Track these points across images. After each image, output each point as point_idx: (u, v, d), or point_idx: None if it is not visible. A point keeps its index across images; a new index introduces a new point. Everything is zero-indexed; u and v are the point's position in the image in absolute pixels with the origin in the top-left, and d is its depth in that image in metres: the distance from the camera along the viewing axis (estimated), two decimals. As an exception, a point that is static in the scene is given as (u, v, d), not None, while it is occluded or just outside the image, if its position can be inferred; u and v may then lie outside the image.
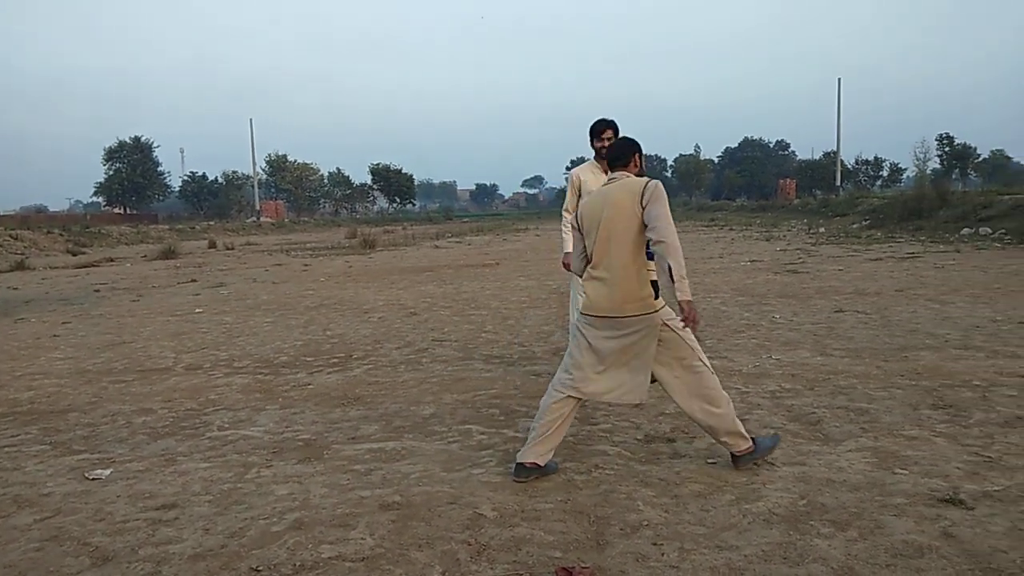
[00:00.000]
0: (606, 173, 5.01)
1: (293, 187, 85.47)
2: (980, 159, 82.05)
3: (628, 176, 3.56)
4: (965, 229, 18.68)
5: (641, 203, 3.31)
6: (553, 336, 7.30)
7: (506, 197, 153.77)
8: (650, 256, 3.45)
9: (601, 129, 4.84)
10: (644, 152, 3.81)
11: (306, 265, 18.10)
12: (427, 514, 3.19)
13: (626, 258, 3.36)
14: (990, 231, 17.72)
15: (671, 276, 3.21)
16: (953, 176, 72.46)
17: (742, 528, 2.95)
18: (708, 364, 3.54)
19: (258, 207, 67.50)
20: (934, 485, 3.29)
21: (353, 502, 3.35)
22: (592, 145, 4.95)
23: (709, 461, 3.71)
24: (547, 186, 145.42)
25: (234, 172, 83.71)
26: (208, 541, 3.01)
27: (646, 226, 3.30)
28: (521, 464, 3.52)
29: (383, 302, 10.37)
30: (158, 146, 77.30)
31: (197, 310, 10.20)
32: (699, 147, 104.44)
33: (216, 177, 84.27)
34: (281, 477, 3.71)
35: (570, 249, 5.26)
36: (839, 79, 53.83)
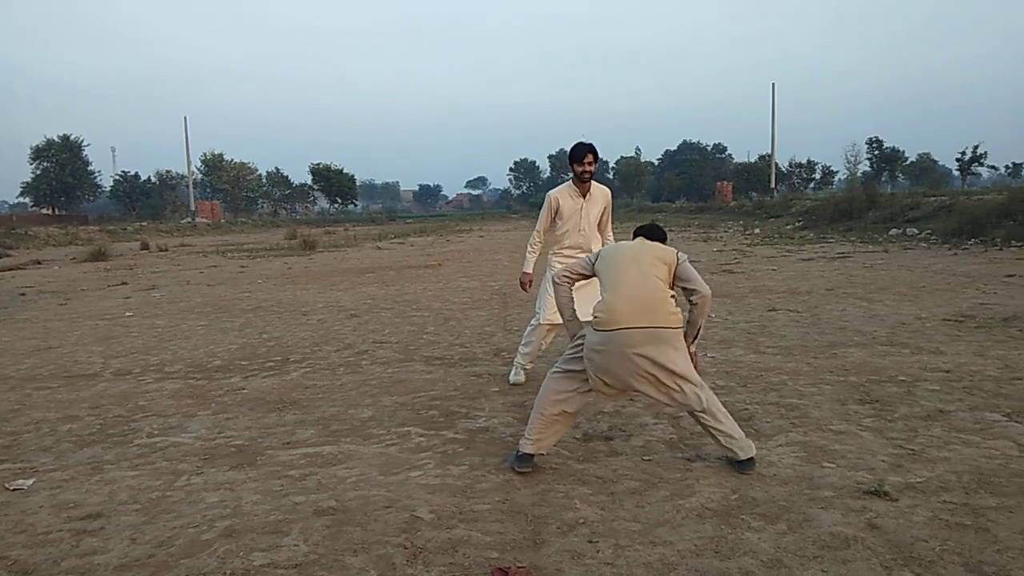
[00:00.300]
0: (583, 196, 5.15)
1: (230, 187, 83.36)
2: (907, 162, 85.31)
3: None
4: (893, 230, 19.34)
5: (677, 260, 3.63)
6: (494, 337, 7.30)
7: (449, 198, 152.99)
8: None
9: (583, 154, 4.98)
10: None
11: (243, 267, 17.72)
12: (363, 519, 3.15)
13: (662, 287, 3.53)
14: (916, 232, 18.37)
15: (697, 330, 3.66)
16: (882, 179, 75.19)
17: (675, 523, 3.00)
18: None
19: (193, 207, 65.71)
20: (860, 478, 3.39)
21: (287, 508, 3.29)
22: (573, 169, 5.08)
23: (645, 458, 3.76)
24: (491, 187, 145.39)
25: (168, 171, 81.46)
26: (135, 551, 2.92)
27: (676, 279, 3.62)
28: (529, 455, 3.62)
29: (323, 304, 10.23)
30: (88, 145, 74.43)
31: (127, 314, 9.90)
32: (639, 149, 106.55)
33: (149, 177, 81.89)
34: (212, 484, 3.62)
35: (530, 270, 5.39)
36: (773, 84, 55.11)
